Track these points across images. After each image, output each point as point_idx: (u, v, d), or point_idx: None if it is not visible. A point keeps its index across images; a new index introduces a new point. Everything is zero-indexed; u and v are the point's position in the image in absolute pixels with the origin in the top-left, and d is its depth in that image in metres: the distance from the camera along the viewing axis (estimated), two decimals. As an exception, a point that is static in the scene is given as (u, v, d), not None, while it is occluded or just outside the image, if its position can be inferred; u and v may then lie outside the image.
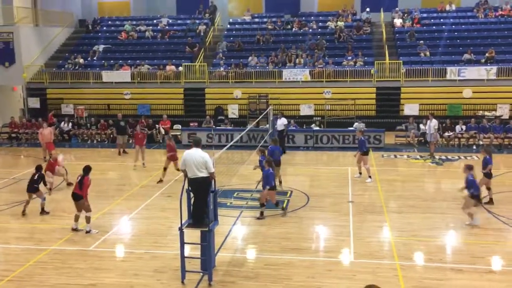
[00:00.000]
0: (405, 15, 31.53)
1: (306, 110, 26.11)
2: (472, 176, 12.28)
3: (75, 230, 12.32)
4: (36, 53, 29.98)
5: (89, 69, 29.50)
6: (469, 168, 12.45)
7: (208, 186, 9.53)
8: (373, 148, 21.41)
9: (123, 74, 28.66)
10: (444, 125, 22.83)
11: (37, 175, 13.87)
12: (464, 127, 22.65)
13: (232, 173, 17.82)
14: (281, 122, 21.25)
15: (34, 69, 29.75)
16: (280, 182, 16.10)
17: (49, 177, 15.39)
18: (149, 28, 32.98)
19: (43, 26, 31.54)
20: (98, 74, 28.86)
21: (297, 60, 28.20)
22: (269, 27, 31.89)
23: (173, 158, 17.04)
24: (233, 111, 26.64)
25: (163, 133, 23.72)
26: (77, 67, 29.68)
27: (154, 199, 15.13)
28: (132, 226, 13.05)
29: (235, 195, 15.29)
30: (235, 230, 12.39)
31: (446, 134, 22.67)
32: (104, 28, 34.42)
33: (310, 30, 31.19)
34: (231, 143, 16.66)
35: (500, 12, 30.32)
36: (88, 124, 26.18)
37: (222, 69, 28.31)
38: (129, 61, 29.99)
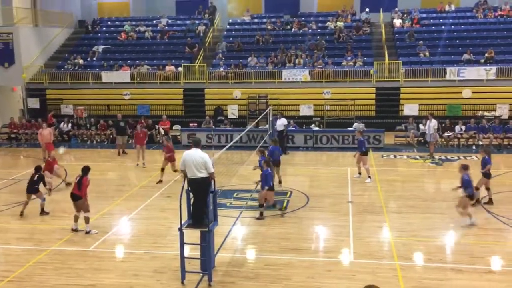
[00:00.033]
0: (405, 15, 31.55)
1: (305, 110, 26.11)
2: (467, 176, 12.27)
3: (75, 230, 12.32)
4: (35, 53, 29.98)
5: (88, 69, 29.50)
6: (464, 168, 12.46)
7: (207, 186, 9.53)
8: (373, 148, 21.43)
9: (123, 75, 28.66)
10: (443, 125, 22.85)
11: (36, 175, 13.86)
12: (463, 127, 22.66)
13: (232, 173, 17.82)
14: (281, 123, 21.25)
15: (34, 69, 29.75)
16: (280, 182, 16.13)
17: (47, 177, 15.38)
18: (149, 28, 32.99)
19: (43, 26, 31.53)
20: (98, 74, 28.86)
21: (296, 61, 28.21)
22: (269, 27, 31.90)
23: (171, 159, 17.04)
24: (232, 111, 26.65)
25: (163, 133, 23.72)
26: (76, 68, 29.69)
27: (154, 200, 15.13)
28: (132, 226, 13.05)
29: (234, 195, 15.29)
30: (235, 230, 12.40)
31: (446, 134, 22.68)
32: (104, 28, 34.42)
33: (310, 30, 31.19)
34: (231, 143, 16.66)
35: (500, 12, 30.34)
36: (88, 125, 26.18)
37: (221, 69, 28.31)
38: (129, 61, 29.99)
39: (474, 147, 21.92)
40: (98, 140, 25.41)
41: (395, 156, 20.80)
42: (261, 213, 13.17)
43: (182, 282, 9.50)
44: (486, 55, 26.64)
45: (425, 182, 17.35)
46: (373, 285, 5.55)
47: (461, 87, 25.65)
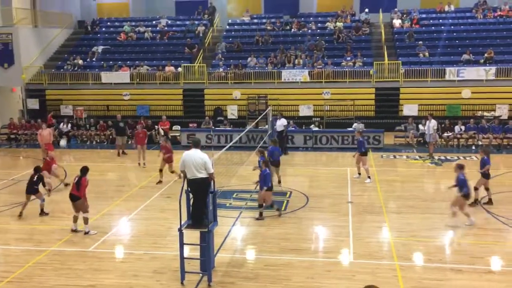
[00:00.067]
0: (404, 15, 31.56)
1: (305, 110, 26.11)
2: (463, 175, 12.27)
3: (74, 231, 12.32)
4: (35, 54, 29.98)
5: (88, 70, 29.50)
6: (460, 167, 12.46)
7: (207, 187, 9.53)
8: (372, 149, 21.44)
9: (122, 75, 28.66)
10: (443, 125, 22.85)
11: (36, 176, 13.85)
12: (463, 128, 22.67)
13: (231, 174, 17.82)
14: (281, 123, 21.26)
15: (33, 70, 29.75)
16: (279, 182, 16.13)
17: (46, 177, 15.36)
18: (148, 29, 32.98)
19: (42, 27, 31.52)
20: (97, 75, 28.86)
21: (296, 61, 28.21)
22: (268, 27, 31.90)
23: (169, 160, 17.02)
24: (232, 111, 26.65)
25: (162, 134, 23.71)
26: (76, 68, 29.68)
27: (154, 200, 15.13)
28: (132, 227, 13.05)
29: (234, 195, 15.30)
30: (235, 231, 12.39)
31: (445, 134, 22.68)
32: (103, 29, 34.41)
33: (309, 30, 31.19)
34: (230, 143, 16.68)
35: (499, 13, 30.35)
36: (87, 125, 26.18)
37: (221, 70, 28.31)
38: (128, 62, 29.98)
39: (473, 147, 21.93)
40: (98, 140, 25.40)
41: (394, 157, 20.81)
42: (261, 214, 13.17)
43: (182, 283, 9.49)
44: (486, 55, 26.66)
45: (424, 182, 17.35)
46: (372, 286, 5.55)
47: (461, 87, 25.66)
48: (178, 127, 25.61)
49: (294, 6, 34.35)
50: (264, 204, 13.16)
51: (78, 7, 36.43)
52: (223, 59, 29.39)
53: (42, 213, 13.80)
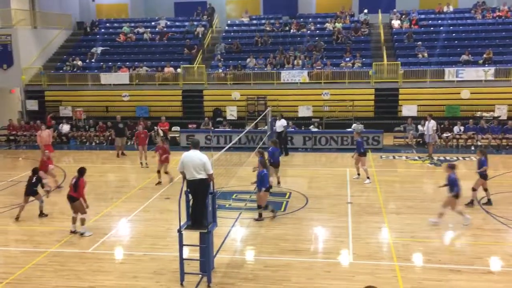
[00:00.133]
0: (403, 16, 31.59)
1: (304, 111, 26.11)
2: (454, 175, 12.27)
3: (73, 232, 12.30)
4: (34, 55, 29.98)
5: (87, 71, 29.51)
6: (451, 167, 12.45)
7: (206, 188, 9.53)
8: (372, 149, 21.45)
9: (122, 76, 28.67)
10: (442, 126, 22.87)
11: (34, 177, 13.82)
12: (462, 128, 22.69)
13: (231, 174, 17.82)
14: (280, 124, 21.26)
15: (32, 71, 29.75)
16: (279, 183, 16.13)
17: (43, 177, 15.28)
18: (147, 30, 33.00)
19: (41, 28, 31.53)
20: (97, 76, 28.86)
21: (295, 62, 28.23)
22: (267, 28, 31.92)
23: (166, 161, 17.01)
24: (231, 112, 26.65)
25: (162, 135, 23.69)
26: (75, 69, 29.68)
27: (153, 201, 15.12)
28: (131, 228, 13.04)
29: (233, 196, 15.29)
30: (234, 231, 12.39)
31: (444, 135, 22.70)
32: (102, 30, 34.42)
33: (308, 31, 31.22)
34: (230, 144, 16.67)
35: (498, 13, 30.41)
36: (87, 126, 26.15)
37: (220, 70, 28.32)
38: (127, 63, 29.99)
39: (472, 148, 21.92)
40: (97, 141, 25.39)
41: (394, 157, 20.81)
42: (260, 214, 13.15)
43: (181, 284, 9.49)
44: (485, 55, 26.69)
45: (424, 183, 17.35)
46: (372, 286, 5.56)
47: (460, 88, 25.69)
48: (178, 128, 25.59)
49: (293, 7, 34.41)
50: (260, 205, 13.10)
51: (77, 8, 36.40)
52: (222, 60, 29.40)
53: (41, 214, 13.78)
